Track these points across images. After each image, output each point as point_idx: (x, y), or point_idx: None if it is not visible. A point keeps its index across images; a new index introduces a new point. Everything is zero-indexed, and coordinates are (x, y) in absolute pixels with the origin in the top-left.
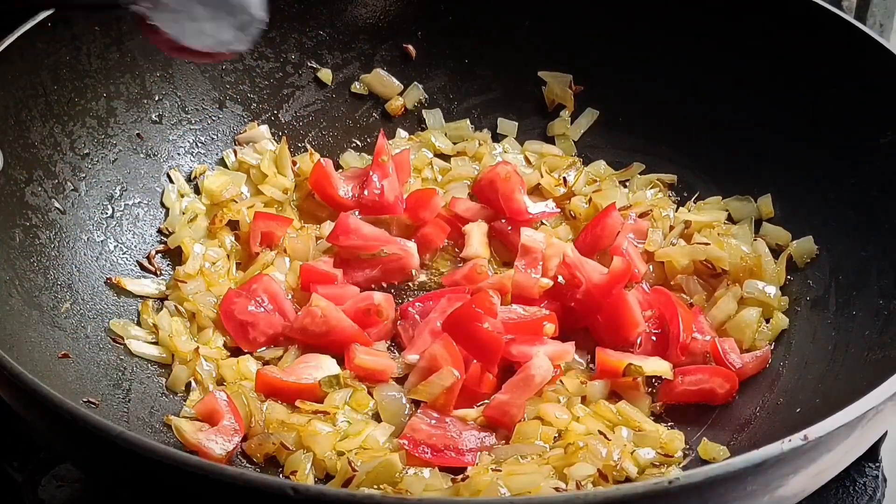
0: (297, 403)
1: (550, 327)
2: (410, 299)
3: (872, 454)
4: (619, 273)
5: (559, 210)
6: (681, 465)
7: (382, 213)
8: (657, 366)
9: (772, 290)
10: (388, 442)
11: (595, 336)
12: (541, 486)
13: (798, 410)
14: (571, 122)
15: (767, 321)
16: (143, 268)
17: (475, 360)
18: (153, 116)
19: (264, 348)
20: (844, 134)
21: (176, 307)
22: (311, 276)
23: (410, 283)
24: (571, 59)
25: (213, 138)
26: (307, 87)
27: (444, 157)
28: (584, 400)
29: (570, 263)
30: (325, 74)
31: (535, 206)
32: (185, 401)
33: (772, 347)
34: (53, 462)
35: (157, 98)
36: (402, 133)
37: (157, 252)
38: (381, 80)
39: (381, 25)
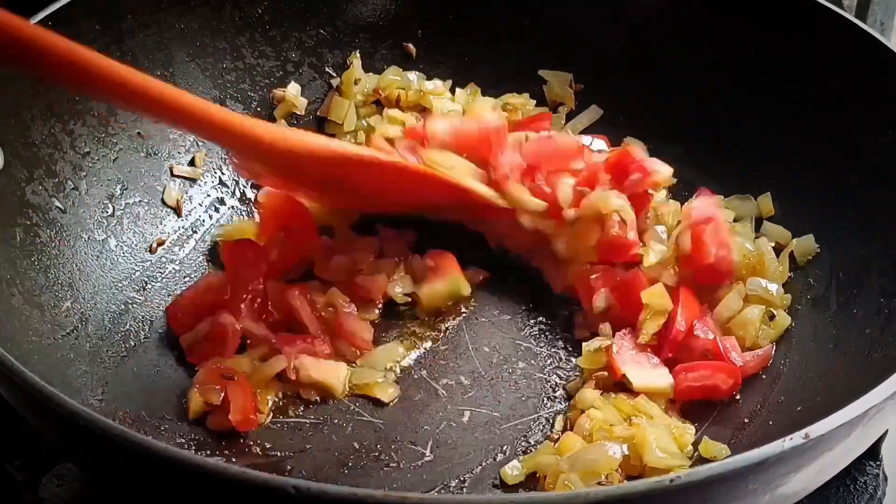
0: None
1: None
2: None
3: (873, 453)
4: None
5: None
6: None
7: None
8: (656, 381)
9: (774, 287)
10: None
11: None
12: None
13: (799, 409)
14: (572, 121)
15: (771, 319)
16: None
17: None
18: None
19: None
20: (845, 133)
21: None
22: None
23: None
24: (572, 58)
25: None
26: (307, 86)
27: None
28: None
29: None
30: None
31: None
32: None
33: (773, 346)
34: (53, 461)
35: None
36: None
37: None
38: None
39: (382, 24)
